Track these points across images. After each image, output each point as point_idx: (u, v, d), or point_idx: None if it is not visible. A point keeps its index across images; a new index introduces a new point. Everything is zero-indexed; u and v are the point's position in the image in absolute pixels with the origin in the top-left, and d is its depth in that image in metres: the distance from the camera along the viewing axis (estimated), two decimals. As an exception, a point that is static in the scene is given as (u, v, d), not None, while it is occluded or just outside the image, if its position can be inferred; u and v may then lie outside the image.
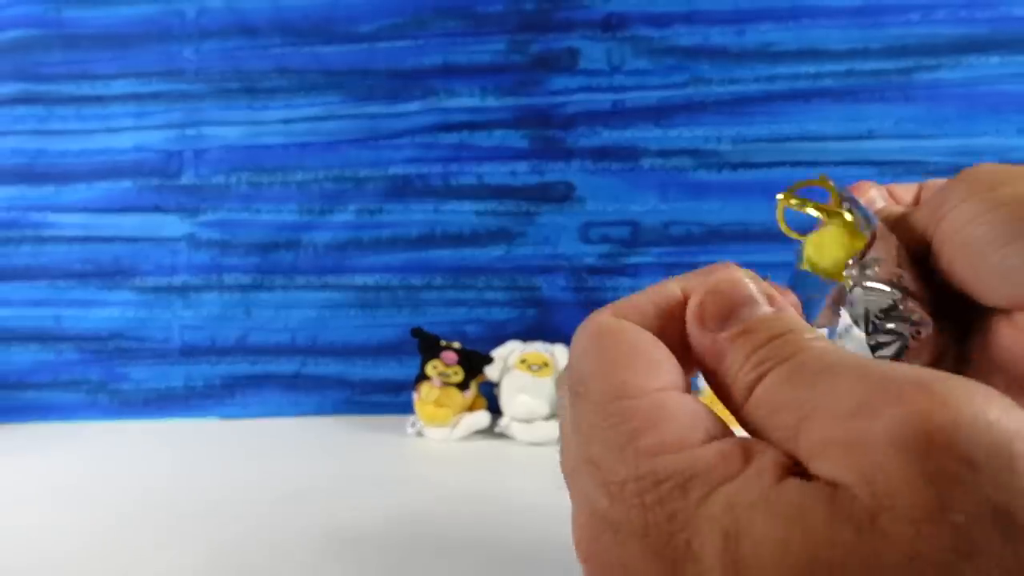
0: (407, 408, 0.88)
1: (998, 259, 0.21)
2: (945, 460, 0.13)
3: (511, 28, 0.99)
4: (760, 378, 0.17)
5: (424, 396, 0.85)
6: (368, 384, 0.99)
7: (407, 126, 1.00)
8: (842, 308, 0.24)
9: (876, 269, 0.23)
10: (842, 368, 0.15)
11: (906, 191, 0.29)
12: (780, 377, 0.16)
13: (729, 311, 0.18)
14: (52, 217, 1.03)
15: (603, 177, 0.97)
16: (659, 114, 0.97)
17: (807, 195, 0.27)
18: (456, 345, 0.88)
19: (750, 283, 0.19)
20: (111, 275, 1.02)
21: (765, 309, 0.18)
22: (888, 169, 0.92)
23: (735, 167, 0.95)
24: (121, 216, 1.02)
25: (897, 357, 0.23)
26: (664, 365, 0.18)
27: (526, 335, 0.91)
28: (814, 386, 0.15)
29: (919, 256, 0.24)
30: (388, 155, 1.00)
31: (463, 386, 0.86)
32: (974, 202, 0.22)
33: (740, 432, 0.17)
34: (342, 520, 0.61)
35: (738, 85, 0.95)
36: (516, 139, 0.99)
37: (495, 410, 0.87)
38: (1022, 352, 0.22)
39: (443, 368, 0.86)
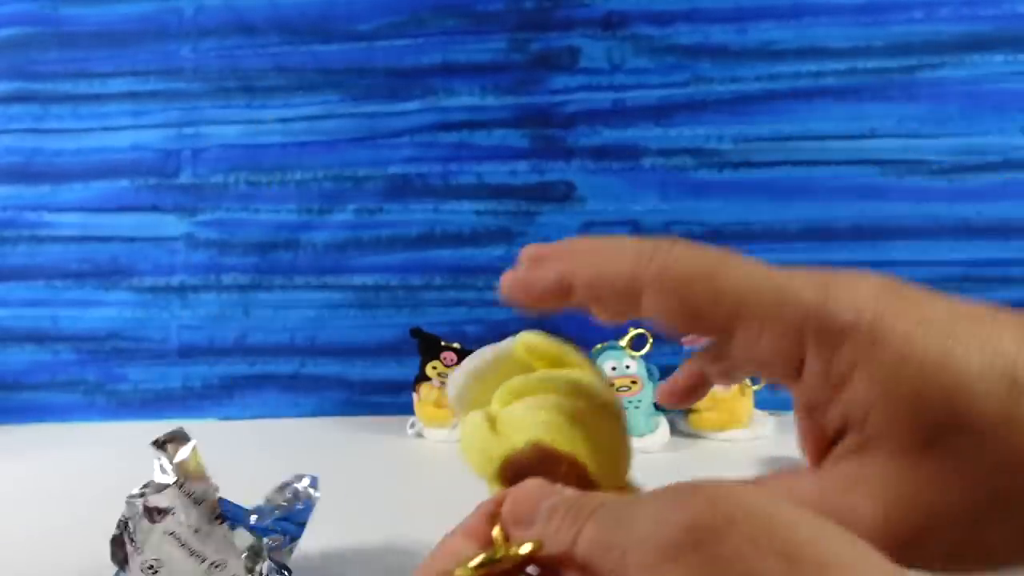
0: (407, 408, 0.88)
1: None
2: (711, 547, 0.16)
3: (511, 26, 0.98)
4: (579, 532, 0.19)
5: (424, 396, 0.85)
6: (368, 384, 0.99)
7: (406, 125, 0.99)
8: None
9: None
10: (640, 500, 0.18)
11: None
12: (595, 526, 0.19)
13: (534, 508, 0.21)
14: (48, 217, 1.02)
15: (604, 177, 0.97)
16: (660, 113, 0.96)
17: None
18: (456, 345, 0.87)
19: (543, 487, 0.22)
20: (108, 275, 1.01)
21: (564, 494, 0.21)
22: (891, 168, 0.92)
23: (736, 166, 0.95)
24: (118, 216, 1.02)
25: None
26: None
27: (526, 335, 0.91)
28: (623, 523, 0.18)
29: None
30: (387, 154, 1.00)
31: (463, 387, 0.85)
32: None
33: None
34: (342, 521, 0.61)
35: (739, 84, 0.95)
36: (516, 138, 0.98)
37: (495, 411, 0.86)
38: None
39: (443, 368, 0.85)
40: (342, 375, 0.99)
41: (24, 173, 1.02)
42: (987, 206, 0.91)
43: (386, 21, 1.00)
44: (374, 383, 0.99)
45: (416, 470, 0.77)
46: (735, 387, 0.80)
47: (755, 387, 0.82)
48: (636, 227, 0.96)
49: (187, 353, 1.00)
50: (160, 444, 0.37)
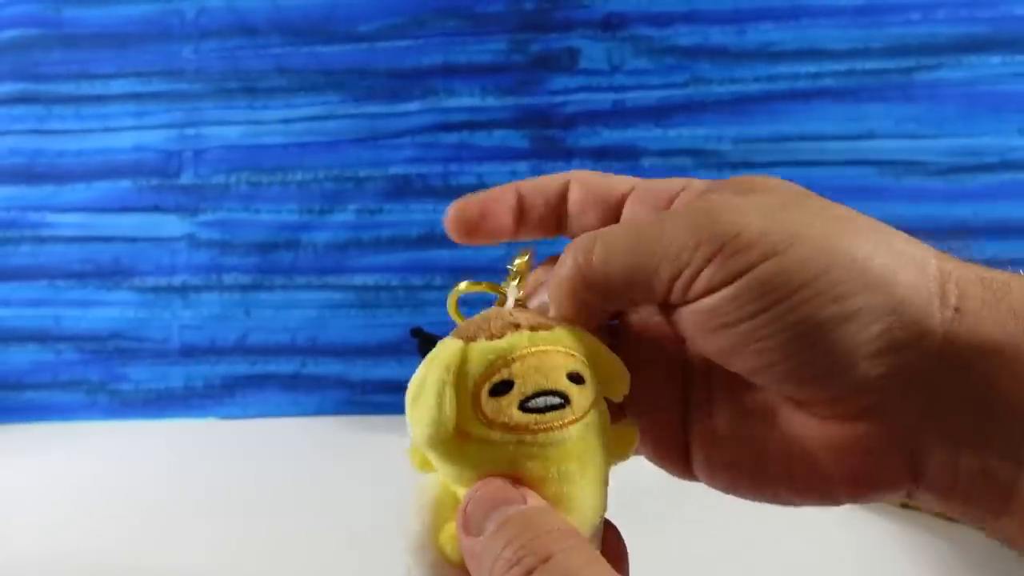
0: (407, 408, 0.88)
1: (785, 369, 0.21)
2: None
3: (511, 28, 0.99)
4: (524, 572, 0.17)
5: (424, 396, 0.85)
6: (368, 384, 0.99)
7: (407, 126, 1.00)
8: None
9: None
10: None
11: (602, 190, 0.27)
12: None
13: (489, 510, 0.19)
14: (51, 217, 1.03)
15: (603, 177, 0.97)
16: (659, 114, 0.96)
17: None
18: (456, 345, 0.87)
19: (508, 488, 0.19)
20: (110, 275, 1.02)
21: (522, 507, 0.19)
22: (888, 169, 0.92)
23: (735, 167, 0.95)
24: (120, 216, 1.02)
25: None
26: None
27: (526, 335, 0.91)
28: None
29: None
30: (388, 155, 1.00)
31: (463, 386, 0.85)
32: (722, 276, 0.21)
33: None
34: (342, 520, 0.61)
35: (738, 85, 0.95)
36: (516, 139, 0.99)
37: (495, 410, 0.87)
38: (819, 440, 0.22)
39: (443, 368, 0.85)
40: (343, 375, 0.99)
41: (27, 174, 1.03)
42: (985, 207, 0.91)
43: (387, 22, 1.00)
44: (375, 383, 0.99)
45: (416, 470, 0.78)
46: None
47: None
48: (635, 227, 0.96)
49: (189, 353, 1.01)
50: None
